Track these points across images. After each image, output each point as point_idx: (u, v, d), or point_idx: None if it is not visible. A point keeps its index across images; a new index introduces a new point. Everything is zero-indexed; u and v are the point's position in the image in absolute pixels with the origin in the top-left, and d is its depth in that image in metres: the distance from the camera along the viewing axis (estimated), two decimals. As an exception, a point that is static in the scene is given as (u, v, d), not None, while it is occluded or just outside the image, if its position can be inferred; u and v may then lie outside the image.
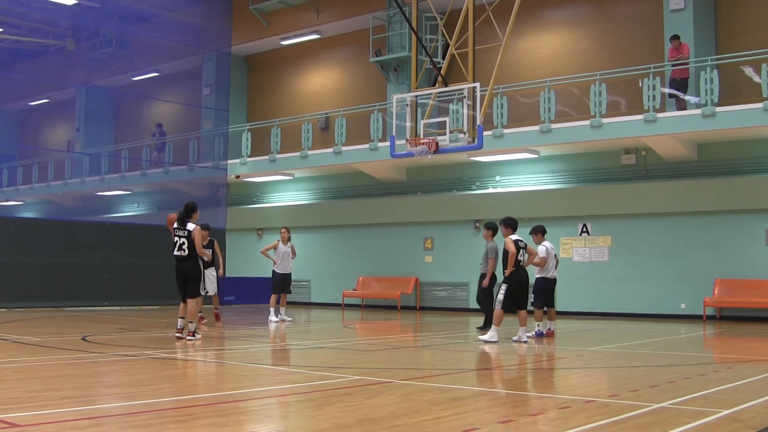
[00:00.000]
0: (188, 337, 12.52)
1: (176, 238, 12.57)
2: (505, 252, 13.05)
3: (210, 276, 16.71)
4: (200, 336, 12.85)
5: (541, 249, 14.21)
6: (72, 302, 21.61)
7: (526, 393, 7.88)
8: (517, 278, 13.00)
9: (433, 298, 24.57)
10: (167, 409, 6.45)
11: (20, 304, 20.68)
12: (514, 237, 13.09)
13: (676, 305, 20.44)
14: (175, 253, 12.55)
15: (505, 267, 13.08)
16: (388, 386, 7.79)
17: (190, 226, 12.60)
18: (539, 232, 14.45)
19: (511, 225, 13.32)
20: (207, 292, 16.83)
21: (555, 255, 14.53)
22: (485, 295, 15.92)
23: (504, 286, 12.99)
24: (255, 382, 8.68)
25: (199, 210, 12.95)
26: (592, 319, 20.24)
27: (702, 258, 20.20)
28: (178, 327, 12.62)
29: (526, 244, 13.28)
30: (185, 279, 12.56)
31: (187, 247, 12.47)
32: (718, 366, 10.46)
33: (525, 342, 12.90)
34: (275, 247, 17.64)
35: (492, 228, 16.00)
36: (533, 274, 14.33)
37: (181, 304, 12.68)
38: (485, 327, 15.77)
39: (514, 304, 12.98)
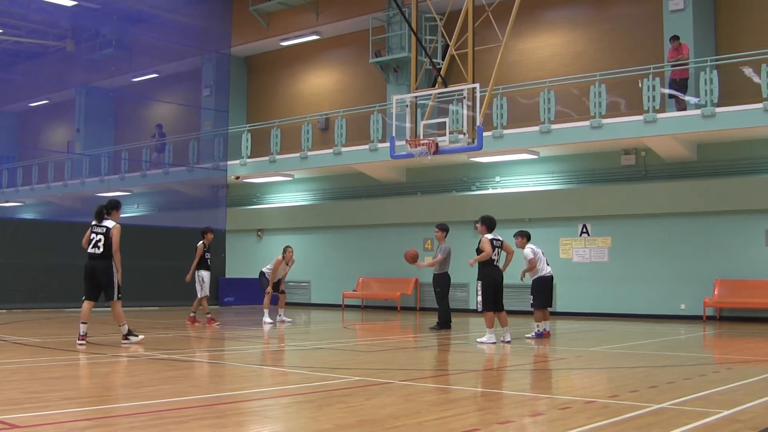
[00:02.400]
0: (122, 341, 11.89)
1: (92, 235, 11.84)
2: (480, 250, 12.98)
3: (206, 277, 16.85)
4: (142, 337, 12.20)
5: (527, 251, 14.19)
6: (72, 303, 21.56)
7: (526, 394, 7.88)
8: (489, 276, 12.87)
9: (433, 299, 24.37)
10: (167, 410, 6.44)
11: (20, 305, 20.68)
12: (490, 236, 13.02)
13: (676, 306, 20.44)
14: (89, 250, 11.81)
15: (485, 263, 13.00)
16: (388, 387, 7.79)
17: (109, 223, 11.85)
18: (524, 236, 14.42)
19: (488, 224, 13.20)
20: (206, 295, 16.95)
21: (542, 252, 14.50)
22: (439, 296, 16.49)
23: (478, 284, 12.98)
24: (255, 383, 8.67)
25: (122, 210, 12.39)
26: (592, 320, 20.23)
27: (702, 258, 20.20)
28: (81, 333, 11.67)
29: (501, 243, 13.13)
30: (95, 279, 11.82)
31: (103, 245, 11.72)
32: (718, 366, 10.46)
33: (509, 342, 12.88)
34: (278, 266, 17.50)
35: (445, 229, 16.32)
36: (508, 273, 14.25)
37: (85, 305, 11.87)
38: (436, 327, 16.21)
39: (492, 304, 12.93)
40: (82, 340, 11.64)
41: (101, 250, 11.71)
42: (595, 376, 9.48)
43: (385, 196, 25.75)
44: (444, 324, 16.24)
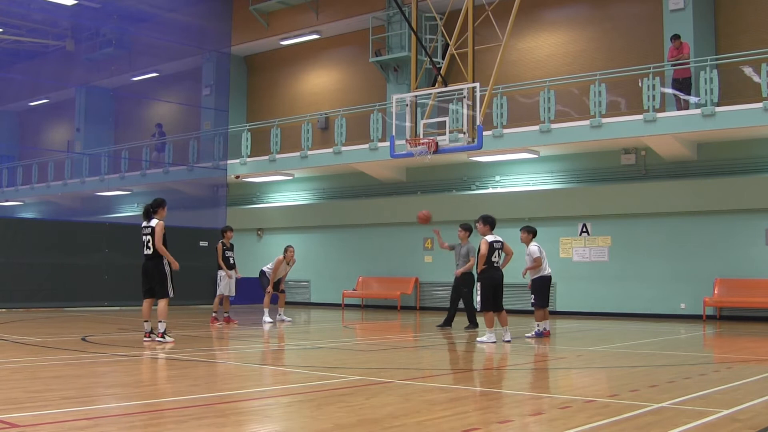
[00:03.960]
0: (158, 338, 12.07)
1: (143, 237, 12.34)
2: (478, 250, 13.00)
3: (225, 277, 16.83)
4: (172, 339, 12.33)
5: (534, 249, 14.15)
6: (72, 303, 21.59)
7: (526, 393, 7.88)
8: (489, 277, 12.86)
9: (433, 298, 24.57)
10: (167, 410, 6.45)
11: (20, 304, 20.68)
12: (490, 238, 13.00)
13: (676, 305, 20.44)
14: (144, 251, 12.33)
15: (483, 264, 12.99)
16: (387, 386, 7.79)
17: (153, 222, 12.29)
18: (530, 232, 14.39)
19: (490, 223, 13.20)
20: (222, 293, 16.95)
21: (545, 252, 14.53)
22: (466, 296, 16.25)
23: (477, 285, 12.98)
24: (255, 382, 8.68)
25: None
26: (591, 319, 20.23)
27: (702, 258, 20.20)
28: (146, 331, 12.22)
29: (502, 244, 13.12)
30: (149, 277, 12.26)
31: (152, 245, 12.19)
32: (717, 366, 10.45)
33: (509, 341, 12.85)
34: (278, 265, 17.49)
35: (468, 229, 16.22)
36: (509, 273, 14.27)
37: (144, 304, 12.33)
38: (470, 326, 16.03)
39: (492, 304, 12.92)
40: (147, 337, 12.17)
41: (151, 250, 12.23)
42: (595, 375, 9.48)
43: (385, 195, 25.75)
44: (447, 323, 16.23)
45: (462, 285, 16.19)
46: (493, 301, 12.92)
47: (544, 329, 14.16)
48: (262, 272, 17.70)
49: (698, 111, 18.69)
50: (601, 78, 20.24)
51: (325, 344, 13.20)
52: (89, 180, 30.07)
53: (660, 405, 6.71)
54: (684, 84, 19.58)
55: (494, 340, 12.77)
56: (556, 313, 20.41)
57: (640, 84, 19.63)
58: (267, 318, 17.34)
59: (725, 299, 19.62)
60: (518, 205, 22.42)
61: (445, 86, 16.33)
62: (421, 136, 15.79)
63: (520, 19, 19.02)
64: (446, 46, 17.99)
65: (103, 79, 30.36)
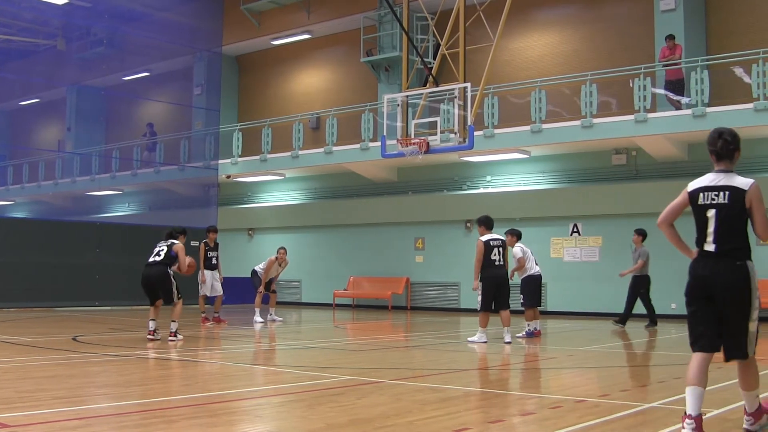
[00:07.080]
0: (170, 338, 12.54)
1: (156, 248, 12.81)
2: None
3: (208, 278, 16.81)
4: (182, 337, 12.77)
5: (517, 250, 14.25)
6: (63, 302, 21.52)
7: (517, 393, 7.90)
8: (489, 276, 12.86)
9: (424, 298, 24.58)
10: (158, 410, 6.44)
11: (11, 304, 20.59)
12: (485, 237, 13.02)
13: (667, 305, 20.45)
14: (150, 259, 12.71)
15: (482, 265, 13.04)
16: (379, 386, 7.80)
17: (175, 240, 12.97)
18: (514, 235, 14.45)
19: (485, 223, 13.19)
20: (218, 294, 16.97)
21: (530, 252, 14.60)
22: (643, 297, 17.19)
23: (479, 285, 13.00)
24: (246, 382, 8.67)
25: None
26: (582, 319, 20.27)
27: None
28: (150, 329, 12.59)
29: (503, 242, 13.16)
30: (153, 285, 12.64)
31: (164, 254, 12.63)
32: (708, 365, 10.47)
33: (508, 343, 12.80)
34: (270, 266, 17.51)
35: (642, 234, 17.04)
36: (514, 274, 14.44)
37: (152, 308, 12.74)
38: (651, 325, 16.99)
39: (492, 304, 12.93)
40: (151, 335, 12.54)
41: (161, 257, 12.65)
42: (585, 375, 9.50)
43: (377, 195, 25.74)
44: (622, 320, 16.93)
45: (639, 286, 17.04)
46: (495, 301, 12.91)
47: (535, 329, 14.18)
48: (254, 272, 17.71)
49: (689, 111, 18.75)
50: (592, 78, 20.27)
51: (317, 344, 13.20)
52: (80, 179, 29.99)
53: (651, 405, 6.74)
54: (677, 85, 19.63)
55: (485, 340, 12.78)
56: (546, 313, 20.44)
57: (631, 84, 19.67)
58: (258, 318, 17.33)
59: (715, 299, 19.62)
60: (509, 205, 22.44)
61: (437, 86, 16.35)
62: (413, 136, 15.81)
63: (512, 19, 19.04)
64: (437, 46, 17.99)
65: (94, 78, 30.28)
